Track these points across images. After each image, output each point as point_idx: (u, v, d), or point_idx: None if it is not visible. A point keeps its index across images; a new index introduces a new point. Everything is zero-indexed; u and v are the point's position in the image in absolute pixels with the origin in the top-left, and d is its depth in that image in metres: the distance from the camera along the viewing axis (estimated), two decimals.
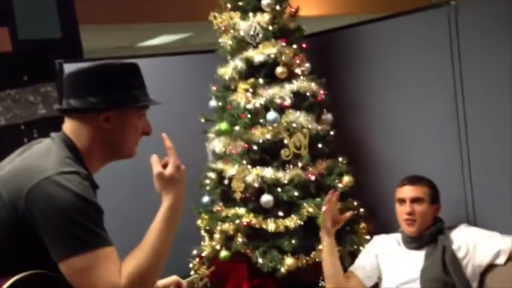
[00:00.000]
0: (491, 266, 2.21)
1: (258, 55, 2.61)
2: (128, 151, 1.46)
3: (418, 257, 2.26)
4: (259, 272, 2.54)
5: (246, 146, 2.60)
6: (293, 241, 2.50)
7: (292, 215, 2.53)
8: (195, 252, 2.73)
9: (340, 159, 2.70)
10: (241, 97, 2.64)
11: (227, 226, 2.60)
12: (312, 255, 2.53)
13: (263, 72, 2.65)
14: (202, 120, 2.85)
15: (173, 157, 1.41)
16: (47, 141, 1.42)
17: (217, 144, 2.73)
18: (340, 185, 2.62)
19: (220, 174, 2.71)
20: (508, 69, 2.30)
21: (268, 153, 2.64)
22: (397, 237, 2.40)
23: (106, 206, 1.35)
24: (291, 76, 2.65)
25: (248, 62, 2.65)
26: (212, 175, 2.76)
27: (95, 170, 1.44)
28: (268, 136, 2.56)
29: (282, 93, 2.59)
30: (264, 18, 2.62)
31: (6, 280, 1.22)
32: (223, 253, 2.60)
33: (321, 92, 2.71)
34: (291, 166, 2.58)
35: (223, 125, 2.67)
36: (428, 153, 2.63)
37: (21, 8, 3.62)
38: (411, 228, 2.26)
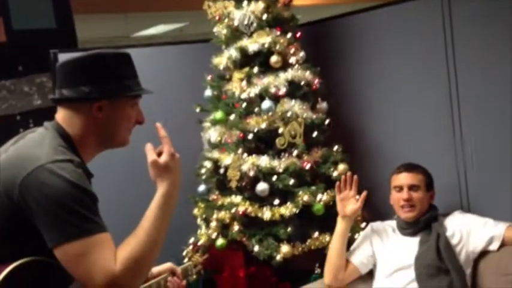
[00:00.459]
0: (484, 252, 2.23)
1: (252, 44, 2.61)
2: (121, 140, 1.47)
3: (413, 244, 2.28)
4: (255, 260, 2.56)
5: (242, 135, 2.61)
6: (289, 229, 2.52)
7: (288, 203, 2.54)
8: (191, 240, 2.75)
9: (335, 147, 2.72)
10: (236, 86, 2.65)
11: (223, 214, 2.62)
12: (307, 243, 2.55)
13: (258, 62, 2.65)
14: (198, 110, 2.86)
15: (167, 145, 1.41)
16: (40, 131, 1.42)
17: (212, 134, 2.74)
18: (335, 173, 2.64)
19: (216, 163, 2.72)
20: (502, 58, 2.31)
21: (263, 142, 2.65)
22: (392, 224, 2.42)
23: (100, 195, 1.36)
24: (285, 65, 2.66)
25: (243, 51, 2.65)
26: (208, 164, 2.76)
27: (89, 158, 1.44)
28: (264, 125, 2.57)
29: (277, 82, 2.59)
30: (258, 7, 2.62)
31: (3, 267, 1.22)
32: (220, 241, 2.61)
33: (316, 80, 2.71)
34: (286, 155, 2.59)
35: (219, 114, 2.68)
36: (422, 140, 2.64)
37: None
38: (410, 213, 2.28)
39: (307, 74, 2.67)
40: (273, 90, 2.58)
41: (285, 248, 2.48)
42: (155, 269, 1.68)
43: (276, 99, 2.59)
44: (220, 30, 2.73)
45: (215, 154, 2.72)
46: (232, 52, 2.67)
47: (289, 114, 2.58)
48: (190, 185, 2.77)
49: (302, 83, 2.67)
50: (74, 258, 1.26)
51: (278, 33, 2.64)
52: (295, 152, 2.59)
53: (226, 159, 2.62)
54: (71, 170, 1.29)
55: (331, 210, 2.61)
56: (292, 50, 2.68)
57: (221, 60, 2.72)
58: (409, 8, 2.60)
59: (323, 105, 2.75)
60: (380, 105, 2.82)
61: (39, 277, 1.28)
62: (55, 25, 3.76)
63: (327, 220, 2.60)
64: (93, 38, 6.07)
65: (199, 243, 2.68)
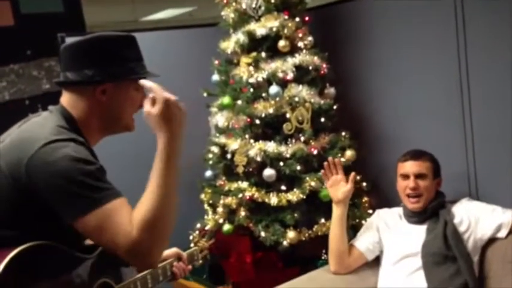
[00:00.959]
0: (492, 240, 2.22)
1: (260, 28, 2.59)
2: (126, 124, 1.46)
3: (420, 231, 2.27)
4: (261, 246, 2.56)
5: (249, 120, 2.60)
6: (295, 215, 2.52)
7: (295, 189, 2.54)
8: (198, 225, 2.76)
9: (342, 133, 2.70)
10: (244, 71, 2.63)
11: (230, 200, 2.62)
12: (314, 229, 2.55)
13: (265, 46, 2.63)
14: (205, 95, 2.85)
15: (158, 93, 1.34)
16: (45, 114, 1.42)
17: (220, 119, 2.73)
18: (342, 159, 2.62)
19: (223, 148, 2.72)
20: None
21: (270, 128, 2.64)
22: (399, 211, 2.41)
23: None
24: (293, 50, 2.64)
25: (250, 35, 2.63)
26: (215, 149, 2.76)
27: (93, 142, 1.44)
28: (271, 110, 2.56)
29: (285, 67, 2.57)
30: None
31: (8, 251, 1.23)
32: (226, 227, 2.62)
33: (324, 65, 2.69)
34: (294, 140, 2.58)
35: (226, 99, 2.67)
36: (431, 127, 2.62)
37: None
38: (416, 204, 2.26)
39: (315, 59, 2.65)
40: (280, 75, 2.56)
41: (291, 234, 2.48)
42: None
43: (284, 84, 2.57)
44: (228, 13, 2.71)
45: (222, 139, 2.72)
46: (240, 36, 2.65)
47: (296, 99, 2.56)
48: (197, 170, 2.77)
49: (310, 68, 2.65)
50: (95, 230, 1.26)
51: (286, 17, 2.62)
52: (302, 138, 2.58)
53: (233, 144, 2.62)
54: (74, 146, 1.30)
55: None
56: (300, 35, 2.66)
57: (229, 45, 2.71)
58: None
59: (331, 90, 2.73)
60: (388, 91, 2.79)
61: (44, 261, 1.28)
62: (63, 9, 3.75)
63: None
64: (101, 22, 6.05)
65: (206, 228, 2.69)
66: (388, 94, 2.80)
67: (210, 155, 2.79)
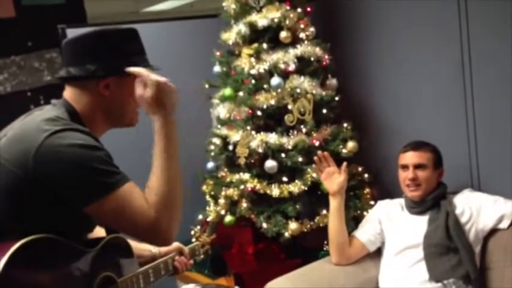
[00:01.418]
0: (494, 231, 2.22)
1: (261, 19, 2.58)
2: (129, 119, 1.46)
3: (422, 222, 2.27)
4: (263, 237, 2.57)
5: (250, 111, 2.60)
6: (297, 206, 2.52)
7: (296, 181, 2.54)
8: (200, 217, 2.76)
9: (344, 124, 2.70)
10: (245, 62, 2.62)
11: (232, 191, 2.62)
12: (315, 220, 2.55)
13: (267, 37, 2.62)
14: (207, 86, 2.84)
15: (149, 78, 1.36)
16: (48, 107, 1.42)
17: (221, 110, 2.73)
18: (344, 151, 2.62)
19: (225, 140, 2.71)
20: None
21: (272, 119, 2.63)
22: (400, 202, 2.41)
23: None
24: (295, 41, 2.63)
25: (252, 26, 2.62)
26: (217, 141, 2.76)
27: (97, 136, 1.44)
28: (273, 102, 2.55)
29: (286, 58, 2.56)
30: None
31: (12, 244, 1.23)
32: (228, 218, 2.62)
33: (326, 56, 2.68)
34: (295, 132, 2.57)
35: (228, 91, 2.66)
36: (433, 118, 2.61)
37: None
38: (415, 192, 2.27)
39: (317, 50, 2.64)
40: (282, 66, 2.55)
41: (293, 225, 2.49)
42: (163, 249, 1.70)
43: (285, 75, 2.56)
44: (229, 4, 2.70)
45: (224, 131, 2.71)
46: (242, 27, 2.64)
47: (298, 90, 2.55)
48: (199, 161, 2.77)
49: (312, 59, 2.63)
50: (112, 213, 1.29)
51: (288, 7, 2.60)
52: (304, 129, 2.58)
53: (235, 136, 2.61)
54: (79, 134, 1.31)
55: None
56: (302, 25, 2.65)
57: (230, 36, 2.70)
58: None
59: (333, 81, 2.72)
60: (390, 82, 2.78)
61: (47, 254, 1.29)
62: (64, 0, 3.74)
63: None
64: (102, 13, 6.03)
65: (208, 219, 2.69)
66: (390, 85, 2.79)
67: (212, 147, 2.78)
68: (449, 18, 2.45)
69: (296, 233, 2.49)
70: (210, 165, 2.84)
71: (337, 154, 2.63)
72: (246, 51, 2.64)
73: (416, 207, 2.31)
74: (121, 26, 1.44)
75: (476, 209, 2.23)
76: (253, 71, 2.60)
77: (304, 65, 2.62)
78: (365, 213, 2.56)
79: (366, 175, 2.72)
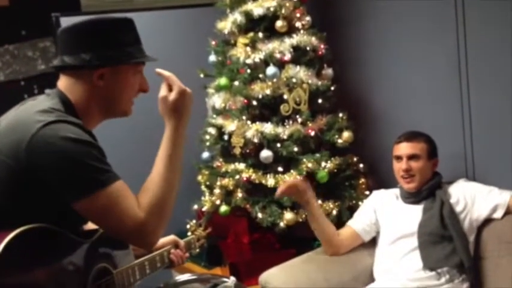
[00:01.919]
0: (488, 220, 2.24)
1: (257, 8, 2.56)
2: (124, 109, 1.46)
3: (416, 211, 2.28)
4: (258, 227, 2.57)
5: (246, 101, 2.59)
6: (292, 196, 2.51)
7: (292, 170, 2.54)
8: (195, 207, 2.76)
9: (340, 114, 2.69)
10: (241, 52, 2.61)
11: (227, 181, 2.62)
12: None
13: (263, 26, 2.61)
14: (202, 76, 2.83)
15: (177, 84, 1.41)
16: (42, 97, 1.41)
17: (216, 100, 2.71)
18: (339, 141, 2.62)
19: (220, 129, 2.71)
20: None
21: (267, 109, 2.63)
22: (395, 192, 2.42)
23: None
24: (291, 30, 2.61)
25: (247, 15, 2.60)
26: (212, 131, 2.75)
27: (91, 126, 1.43)
28: (268, 91, 2.54)
29: (282, 47, 2.55)
30: None
31: (6, 234, 1.23)
32: (223, 208, 2.62)
33: (322, 46, 2.67)
34: (291, 121, 2.57)
35: (223, 80, 2.65)
36: (428, 108, 2.62)
37: None
38: (410, 184, 2.27)
39: (313, 39, 2.63)
40: (277, 55, 2.54)
41: (288, 215, 2.49)
42: (159, 241, 1.69)
43: (281, 65, 2.56)
44: None
45: (219, 120, 2.70)
46: (237, 16, 2.62)
47: (294, 80, 2.55)
48: (194, 151, 2.76)
49: (307, 48, 2.62)
50: (99, 211, 1.29)
51: None
52: (299, 119, 2.57)
53: (231, 125, 2.61)
54: (73, 128, 1.30)
55: (335, 178, 2.61)
56: (297, 15, 2.63)
57: (225, 25, 2.68)
58: None
59: (328, 71, 2.71)
60: (387, 72, 2.78)
61: (42, 244, 1.29)
62: None
63: (330, 187, 2.61)
64: (96, 1, 5.98)
65: (203, 209, 2.69)
66: (386, 75, 2.78)
67: (207, 137, 2.78)
68: (445, 8, 2.44)
69: (291, 223, 2.49)
70: (205, 155, 2.83)
71: (332, 144, 2.63)
72: (241, 40, 2.62)
73: (411, 197, 2.32)
74: (117, 15, 1.42)
75: (470, 199, 2.25)
76: (248, 61, 2.59)
77: (300, 55, 2.61)
78: (360, 203, 2.57)
79: (361, 165, 2.73)
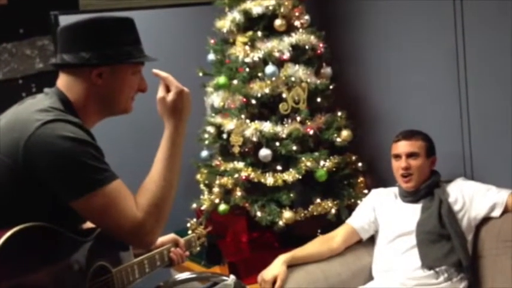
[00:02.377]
0: (486, 219, 2.24)
1: (256, 7, 2.56)
2: (123, 107, 1.46)
3: (415, 210, 2.28)
4: (257, 226, 2.57)
5: (245, 100, 2.59)
6: (291, 195, 2.52)
7: (291, 169, 2.54)
8: (194, 206, 2.76)
9: (339, 113, 2.69)
10: (240, 50, 2.61)
11: (226, 180, 2.62)
12: (309, 209, 2.56)
13: (261, 25, 2.61)
14: (201, 74, 2.83)
15: (174, 84, 1.42)
16: (40, 96, 1.42)
17: (215, 98, 2.71)
18: (338, 139, 2.63)
19: (219, 128, 2.71)
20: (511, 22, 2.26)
21: (266, 107, 2.63)
22: (394, 190, 2.42)
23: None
24: (290, 29, 2.61)
25: (246, 14, 2.60)
26: (211, 129, 2.75)
27: (90, 125, 1.44)
28: (267, 90, 2.54)
29: (281, 46, 2.55)
30: None
31: (4, 232, 1.23)
32: (222, 207, 2.62)
33: (320, 45, 2.67)
34: (290, 120, 2.57)
35: (222, 79, 2.65)
36: (427, 106, 2.62)
37: None
38: (409, 183, 2.28)
39: (312, 38, 2.63)
40: (276, 54, 2.54)
41: (287, 214, 2.49)
42: (159, 240, 1.69)
43: (280, 63, 2.56)
44: None
45: (218, 119, 2.70)
46: (236, 15, 2.62)
47: (293, 79, 2.55)
48: (193, 150, 2.76)
49: (306, 47, 2.62)
50: (98, 211, 1.29)
51: None
52: (298, 118, 2.57)
53: (229, 124, 2.61)
54: (71, 127, 1.30)
55: (333, 177, 2.61)
56: (296, 13, 2.64)
57: (224, 24, 2.68)
58: None
59: (327, 70, 2.71)
60: (385, 70, 2.78)
61: (40, 243, 1.29)
62: None
63: (329, 186, 2.61)
64: (95, 0, 5.97)
65: (202, 208, 2.69)
66: (385, 74, 2.79)
67: (206, 135, 2.78)
68: (444, 6, 2.44)
69: (290, 222, 2.49)
70: (204, 153, 2.83)
71: (331, 143, 2.64)
72: (240, 39, 2.62)
73: (410, 195, 2.32)
74: (117, 14, 1.42)
75: (468, 198, 2.25)
76: (247, 59, 2.59)
77: (298, 54, 2.61)
78: (359, 201, 2.57)
79: (360, 164, 2.73)
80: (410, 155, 2.28)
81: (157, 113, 1.44)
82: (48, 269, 1.29)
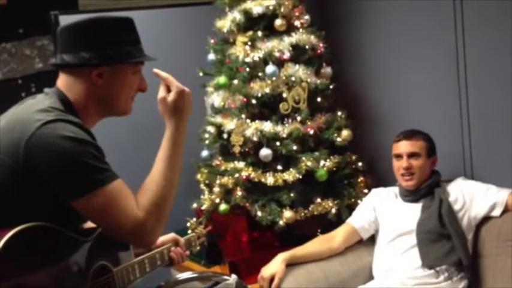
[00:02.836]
0: (486, 218, 2.24)
1: (256, 7, 2.56)
2: (123, 108, 1.46)
3: (415, 210, 2.29)
4: (258, 225, 2.57)
5: (245, 99, 2.59)
6: (291, 194, 2.52)
7: (291, 169, 2.54)
8: (194, 205, 2.76)
9: (339, 113, 2.69)
10: (240, 50, 2.61)
11: (226, 180, 2.62)
12: (310, 209, 2.56)
13: (262, 25, 2.61)
14: (201, 74, 2.83)
15: (174, 84, 1.42)
16: (41, 96, 1.42)
17: (216, 98, 2.71)
18: (338, 139, 2.63)
19: (219, 128, 2.71)
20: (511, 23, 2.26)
21: (267, 107, 2.63)
22: (394, 190, 2.42)
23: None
24: (290, 29, 2.61)
25: (246, 13, 2.60)
26: (211, 129, 2.75)
27: (90, 125, 1.44)
28: (267, 90, 2.55)
29: (281, 46, 2.55)
30: None
31: (5, 232, 1.23)
32: (223, 206, 2.62)
33: (321, 45, 2.67)
34: (290, 120, 2.57)
35: (222, 79, 2.65)
36: (427, 106, 2.62)
37: None
38: (410, 182, 2.28)
39: (312, 38, 2.63)
40: (277, 54, 2.54)
41: (287, 214, 2.49)
42: (159, 239, 1.69)
43: (280, 63, 2.56)
44: None
45: (218, 119, 2.70)
46: (236, 15, 2.62)
47: (293, 79, 2.55)
48: (193, 150, 2.76)
49: (306, 47, 2.63)
50: (98, 211, 1.29)
51: None
52: (298, 118, 2.57)
53: (230, 124, 2.61)
54: (71, 127, 1.30)
55: (334, 176, 2.61)
56: (296, 13, 2.64)
57: (225, 23, 2.68)
58: None
59: (327, 70, 2.71)
60: (385, 70, 2.79)
61: (41, 243, 1.29)
62: None
63: (329, 186, 2.61)
64: (95, 0, 5.97)
65: (203, 208, 2.69)
66: (385, 74, 2.79)
67: (206, 135, 2.78)
68: (444, 6, 2.45)
69: (290, 221, 2.49)
70: (205, 153, 2.83)
71: (331, 142, 2.64)
72: (240, 39, 2.62)
73: (410, 195, 2.33)
74: (117, 14, 1.43)
75: (469, 197, 2.25)
76: (247, 59, 2.59)
77: (299, 53, 2.61)
78: (359, 201, 2.57)
79: (360, 163, 2.73)
80: (411, 155, 2.28)
81: (158, 113, 1.44)
82: (49, 269, 1.29)
